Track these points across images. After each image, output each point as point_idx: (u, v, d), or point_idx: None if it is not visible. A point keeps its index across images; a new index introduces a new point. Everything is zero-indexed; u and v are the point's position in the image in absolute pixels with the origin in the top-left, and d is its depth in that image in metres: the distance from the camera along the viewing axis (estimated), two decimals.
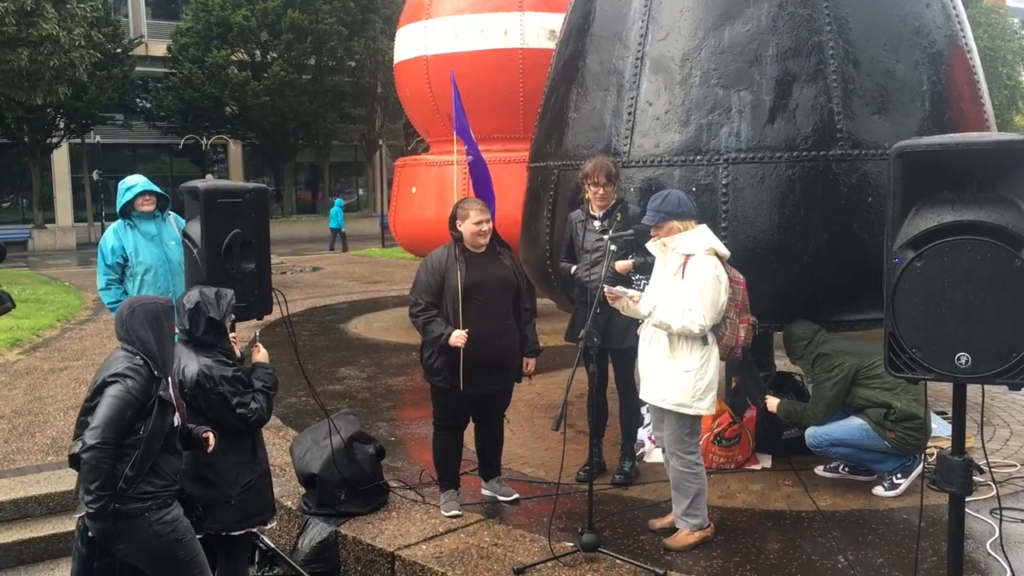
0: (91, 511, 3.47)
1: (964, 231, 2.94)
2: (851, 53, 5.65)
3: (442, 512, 5.17)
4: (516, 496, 5.39)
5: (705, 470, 4.79)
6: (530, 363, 5.29)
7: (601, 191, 5.47)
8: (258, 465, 4.27)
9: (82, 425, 3.62)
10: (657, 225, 4.64)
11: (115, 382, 3.52)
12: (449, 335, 4.91)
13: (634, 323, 5.54)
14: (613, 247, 4.84)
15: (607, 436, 6.03)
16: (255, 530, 4.84)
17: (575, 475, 5.67)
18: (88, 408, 3.59)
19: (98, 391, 3.56)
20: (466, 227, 5.01)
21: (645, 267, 5.11)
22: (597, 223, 5.56)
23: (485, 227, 5.01)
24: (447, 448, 5.29)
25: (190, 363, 4.07)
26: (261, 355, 4.43)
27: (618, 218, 5.47)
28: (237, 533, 4.24)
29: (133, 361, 3.60)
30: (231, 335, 4.27)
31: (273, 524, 4.54)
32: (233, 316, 4.29)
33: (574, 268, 5.66)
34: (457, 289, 4.96)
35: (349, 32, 33.46)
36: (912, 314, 3.00)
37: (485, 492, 5.47)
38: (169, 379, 3.75)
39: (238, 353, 4.41)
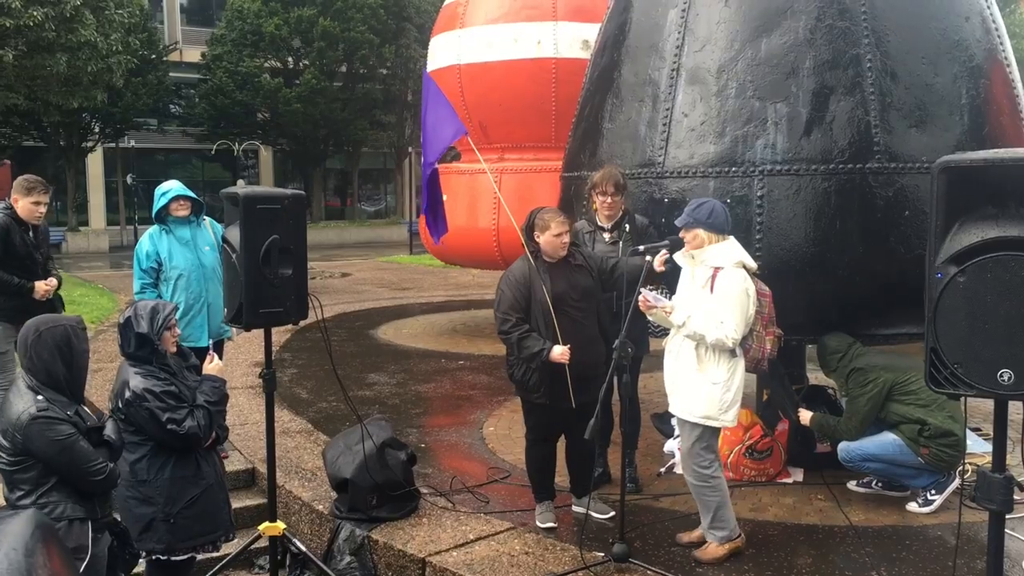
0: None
1: (1008, 247, 2.91)
2: (889, 66, 5.63)
3: (537, 523, 5.11)
4: (612, 514, 5.16)
5: (724, 481, 4.75)
6: None
7: (609, 200, 5.45)
8: (203, 479, 4.09)
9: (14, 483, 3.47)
10: (685, 228, 4.65)
11: (44, 432, 3.36)
12: (549, 351, 4.79)
13: (645, 333, 5.54)
14: (648, 257, 4.83)
15: (639, 447, 6.02)
16: (287, 534, 4.89)
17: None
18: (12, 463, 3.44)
19: (23, 452, 3.39)
20: (546, 238, 4.90)
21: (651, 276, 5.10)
22: (607, 234, 5.55)
23: (566, 238, 4.94)
24: (541, 460, 5.21)
25: (124, 380, 3.96)
26: (213, 366, 4.30)
27: (627, 229, 5.47)
28: (179, 558, 4.08)
29: (38, 406, 3.39)
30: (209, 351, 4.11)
31: (231, 542, 4.38)
32: (171, 332, 4.11)
33: None
34: (547, 302, 4.84)
35: (380, 40, 33.69)
36: (954, 330, 2.98)
37: (577, 510, 5.27)
38: (84, 406, 3.60)
39: (215, 361, 4.33)
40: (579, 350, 4.82)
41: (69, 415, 3.44)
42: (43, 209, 6.21)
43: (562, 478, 5.37)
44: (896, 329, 5.70)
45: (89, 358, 3.66)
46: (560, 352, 4.77)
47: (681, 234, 4.69)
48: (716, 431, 4.70)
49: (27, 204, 6.11)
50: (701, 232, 4.61)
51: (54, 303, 6.51)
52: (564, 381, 4.84)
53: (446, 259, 12.60)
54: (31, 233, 6.24)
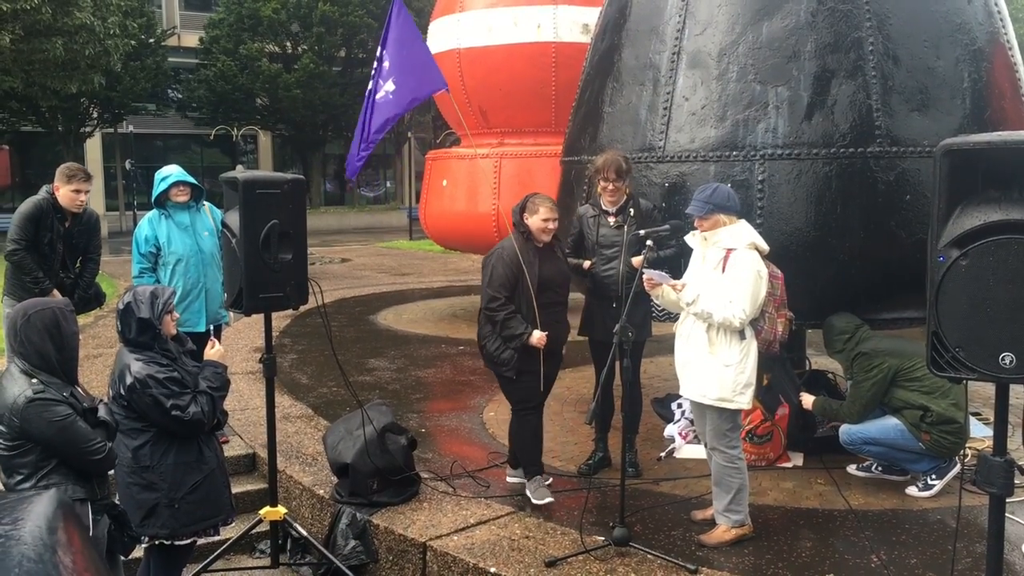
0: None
1: (1010, 230, 2.89)
2: (891, 49, 5.60)
3: (533, 500, 5.14)
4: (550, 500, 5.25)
5: (747, 465, 4.77)
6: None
7: (611, 186, 5.46)
8: (205, 464, 4.09)
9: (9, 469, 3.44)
10: (703, 216, 4.62)
11: (41, 414, 3.34)
12: (529, 335, 5.02)
13: (648, 318, 5.55)
14: (649, 242, 4.82)
15: (639, 431, 6.01)
16: (288, 519, 4.90)
17: (578, 468, 5.73)
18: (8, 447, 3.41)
19: (21, 435, 3.36)
20: (534, 221, 5.12)
21: (657, 262, 5.11)
22: (611, 218, 5.54)
23: (552, 225, 5.14)
24: (532, 431, 5.27)
25: (124, 366, 3.93)
26: (215, 352, 4.29)
27: (631, 213, 5.47)
28: (182, 543, 4.10)
29: (33, 388, 3.36)
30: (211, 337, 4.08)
31: (229, 525, 4.45)
32: (170, 316, 4.09)
33: (587, 263, 5.57)
34: (533, 286, 5.04)
35: (379, 24, 33.52)
36: (956, 313, 2.97)
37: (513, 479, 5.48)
38: (79, 387, 3.59)
39: (216, 346, 4.34)
40: (552, 329, 5.15)
41: (65, 396, 3.43)
42: (84, 197, 6.21)
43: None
44: (897, 313, 5.70)
45: (79, 341, 3.64)
46: (538, 338, 5.04)
47: (697, 222, 4.67)
48: (737, 412, 4.70)
49: (68, 192, 6.13)
50: (722, 216, 4.61)
51: (89, 299, 6.54)
52: (535, 358, 5.14)
53: (446, 244, 12.58)
54: (67, 223, 6.24)
